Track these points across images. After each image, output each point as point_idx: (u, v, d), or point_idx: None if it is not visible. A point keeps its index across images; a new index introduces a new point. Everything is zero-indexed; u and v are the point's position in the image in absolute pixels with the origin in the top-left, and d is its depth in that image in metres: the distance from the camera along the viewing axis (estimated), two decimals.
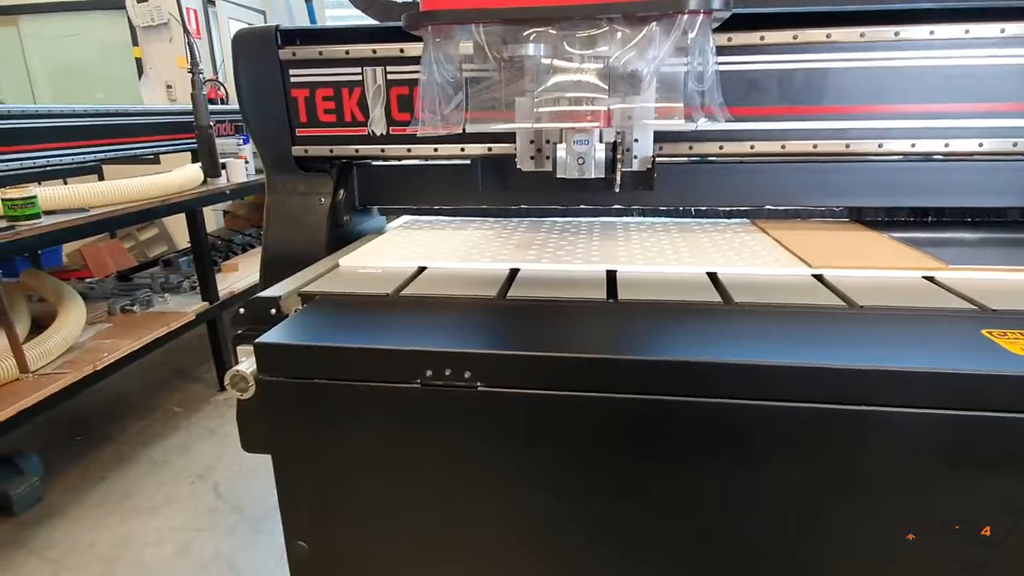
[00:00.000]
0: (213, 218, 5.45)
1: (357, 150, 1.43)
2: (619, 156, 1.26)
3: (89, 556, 2.40)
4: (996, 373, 0.74)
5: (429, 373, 0.84)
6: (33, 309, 2.96)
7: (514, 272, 1.19)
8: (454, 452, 0.89)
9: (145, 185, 2.99)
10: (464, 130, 1.17)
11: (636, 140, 1.29)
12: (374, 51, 1.35)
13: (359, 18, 1.63)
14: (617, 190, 1.28)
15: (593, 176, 1.24)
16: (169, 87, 5.86)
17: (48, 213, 2.55)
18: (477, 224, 1.61)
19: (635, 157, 1.30)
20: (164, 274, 3.85)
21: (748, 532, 0.85)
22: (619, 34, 1.03)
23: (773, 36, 1.23)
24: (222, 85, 5.19)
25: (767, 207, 1.51)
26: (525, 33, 1.05)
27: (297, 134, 1.44)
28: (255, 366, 0.90)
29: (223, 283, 3.70)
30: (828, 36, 1.22)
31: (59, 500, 2.73)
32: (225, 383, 0.92)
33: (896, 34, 1.20)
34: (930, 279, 1.09)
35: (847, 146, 1.29)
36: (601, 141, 1.23)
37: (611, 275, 1.16)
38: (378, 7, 1.54)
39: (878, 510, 0.81)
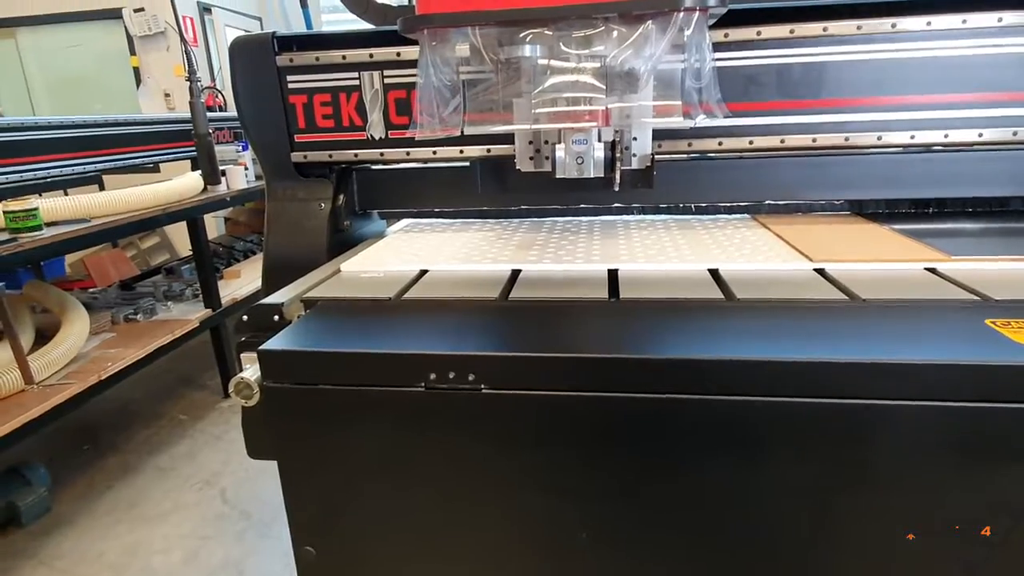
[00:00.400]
0: (214, 225, 5.46)
1: (356, 155, 1.43)
2: (618, 155, 1.26)
3: (98, 565, 2.40)
4: (1001, 363, 0.74)
5: (433, 376, 0.85)
6: (37, 320, 2.96)
7: (516, 273, 1.19)
8: (459, 455, 0.89)
9: (146, 194, 3.00)
10: (462, 132, 1.17)
11: (635, 138, 1.29)
12: (371, 55, 1.35)
13: (355, 23, 1.63)
14: (617, 189, 1.28)
15: (592, 175, 1.23)
16: (167, 95, 5.88)
17: (50, 224, 2.55)
18: (478, 226, 1.61)
19: (634, 155, 1.30)
20: (167, 282, 3.86)
21: (754, 531, 0.85)
22: (615, 33, 1.03)
23: (770, 31, 1.23)
24: (220, 92, 5.21)
25: (767, 202, 1.51)
26: (521, 35, 1.05)
27: (296, 140, 1.44)
28: (259, 373, 0.91)
29: (225, 290, 3.70)
30: (825, 29, 1.22)
31: (67, 510, 2.74)
32: (229, 390, 0.93)
33: (893, 26, 1.20)
34: (932, 271, 1.09)
35: (846, 139, 1.28)
36: (600, 140, 1.23)
37: (612, 274, 1.16)
38: (374, 11, 1.54)
39: (886, 506, 0.81)
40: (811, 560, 0.86)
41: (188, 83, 3.39)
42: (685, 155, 1.37)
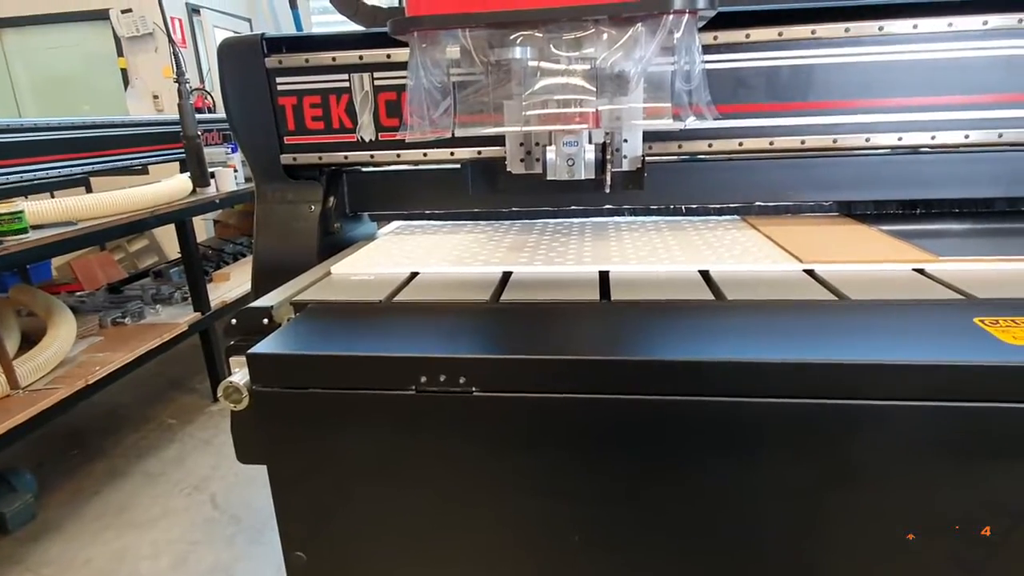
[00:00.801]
0: (203, 228, 5.42)
1: (346, 157, 1.42)
2: (608, 156, 1.27)
3: (86, 571, 2.37)
4: (990, 363, 0.75)
5: (424, 379, 0.84)
6: (23, 324, 2.93)
7: (507, 275, 1.19)
8: (451, 458, 0.88)
9: (133, 197, 2.97)
10: (453, 134, 1.17)
11: (625, 140, 1.29)
12: (361, 57, 1.34)
13: (345, 25, 1.62)
14: (607, 190, 1.29)
15: (583, 177, 1.24)
16: (156, 97, 5.84)
17: (36, 227, 2.53)
18: (469, 228, 1.61)
19: (625, 157, 1.30)
20: (155, 285, 3.82)
21: (745, 532, 0.85)
22: (605, 35, 1.03)
23: (759, 33, 1.24)
24: (209, 94, 5.18)
25: (757, 203, 1.52)
26: (511, 36, 1.05)
27: (285, 142, 1.43)
28: (248, 377, 0.90)
29: (215, 293, 3.68)
30: (813, 32, 1.22)
31: (54, 516, 2.70)
32: (218, 394, 0.92)
33: (880, 28, 1.21)
34: (920, 271, 1.10)
35: (834, 141, 1.29)
36: (590, 142, 1.23)
37: (604, 276, 1.16)
38: (363, 13, 1.54)
39: (877, 506, 0.81)
40: (802, 562, 0.86)
41: (176, 85, 3.37)
42: (675, 157, 1.38)
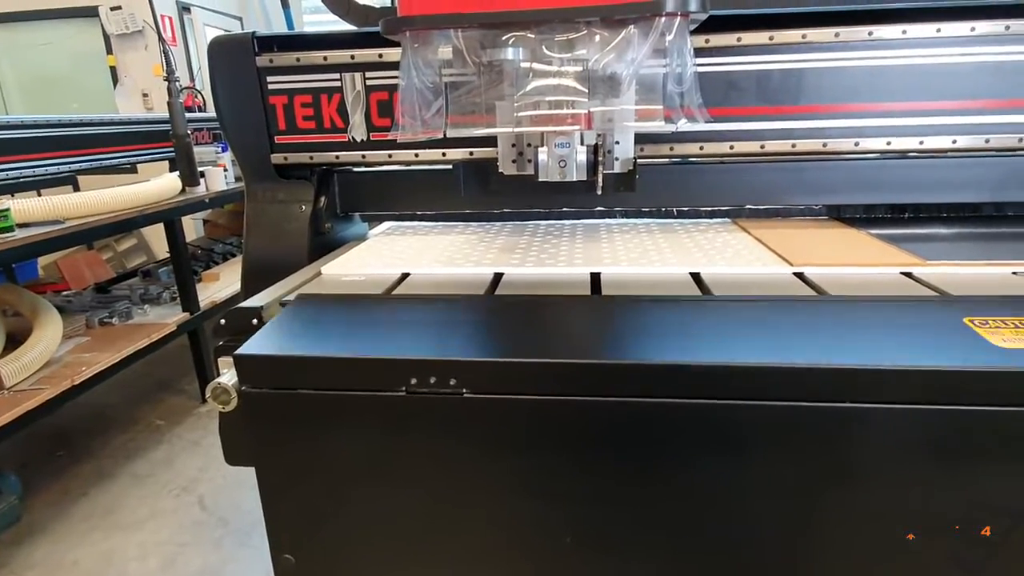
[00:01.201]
0: (193, 227, 5.38)
1: (337, 157, 1.42)
2: (600, 158, 1.27)
3: (73, 573, 2.35)
4: (977, 369, 0.75)
5: (414, 381, 0.84)
6: (8, 324, 2.89)
7: (498, 276, 1.19)
8: (441, 460, 0.88)
9: (121, 195, 2.94)
10: (445, 135, 1.16)
11: (617, 142, 1.29)
12: (352, 57, 1.34)
13: (337, 24, 1.62)
14: (599, 192, 1.29)
15: (575, 179, 1.24)
16: (145, 95, 5.79)
17: (22, 226, 2.50)
18: (460, 229, 1.61)
19: (616, 159, 1.30)
20: (143, 285, 3.79)
21: (735, 533, 0.86)
22: (597, 37, 1.03)
23: (750, 37, 1.24)
24: (199, 93, 5.14)
25: (748, 206, 1.53)
26: (504, 37, 1.05)
27: (276, 141, 1.42)
28: (236, 378, 0.89)
29: (204, 293, 3.65)
30: (804, 37, 1.23)
31: (40, 518, 2.67)
32: (207, 395, 0.91)
33: (870, 34, 1.22)
34: (908, 275, 1.11)
35: (824, 145, 1.30)
36: (582, 144, 1.24)
37: (595, 277, 1.16)
38: (355, 12, 1.53)
39: (870, 507, 0.82)
40: (795, 563, 0.86)
41: (166, 83, 3.34)
42: (667, 159, 1.38)
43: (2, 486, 2.64)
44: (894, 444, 0.79)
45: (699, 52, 1.23)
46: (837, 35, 1.23)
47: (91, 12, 5.62)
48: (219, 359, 1.00)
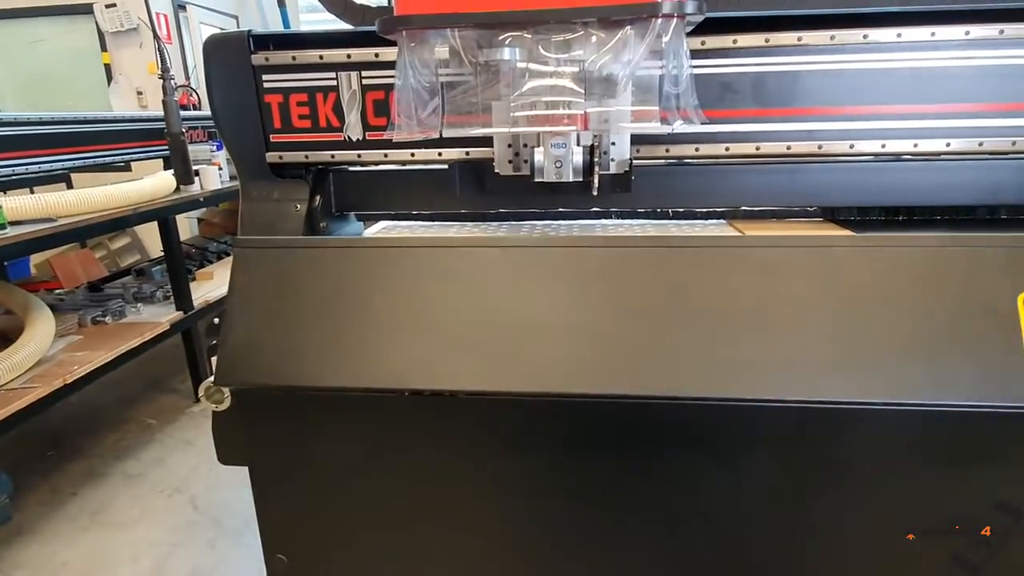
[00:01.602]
0: (187, 226, 5.35)
1: (333, 156, 1.41)
2: (596, 159, 1.27)
3: (63, 574, 2.33)
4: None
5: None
6: (0, 322, 2.87)
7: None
8: (435, 459, 0.88)
9: (115, 194, 2.92)
10: (441, 135, 1.16)
11: (613, 143, 1.29)
12: (349, 56, 1.33)
13: (334, 23, 1.61)
14: (595, 193, 1.29)
15: (571, 179, 1.24)
16: (140, 93, 5.76)
17: (14, 223, 2.48)
18: (456, 229, 1.61)
19: (612, 160, 1.30)
20: (136, 284, 3.77)
21: (728, 532, 0.86)
22: (594, 38, 1.04)
23: (746, 39, 1.24)
24: (194, 91, 5.12)
25: (743, 208, 1.53)
26: (500, 37, 1.05)
27: (271, 140, 1.42)
28: None
29: (198, 292, 3.63)
30: (799, 39, 1.24)
31: (30, 517, 2.65)
32: (200, 395, 0.91)
33: (865, 37, 1.22)
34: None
35: (819, 147, 1.31)
36: (578, 144, 1.24)
37: None
38: (352, 12, 1.53)
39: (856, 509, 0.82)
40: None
41: (161, 81, 3.32)
42: (663, 160, 1.38)
43: None
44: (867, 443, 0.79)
45: (695, 54, 1.23)
46: (832, 38, 1.23)
47: (86, 9, 5.58)
48: (212, 358, 0.99)
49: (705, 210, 1.57)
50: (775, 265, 0.99)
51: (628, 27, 1.02)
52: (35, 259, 4.35)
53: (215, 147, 4.00)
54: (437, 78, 1.14)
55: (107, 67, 5.80)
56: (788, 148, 1.31)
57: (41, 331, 2.71)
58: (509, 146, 1.29)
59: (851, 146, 1.30)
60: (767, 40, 1.24)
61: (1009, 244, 0.97)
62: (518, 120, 1.14)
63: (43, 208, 2.61)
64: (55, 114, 3.20)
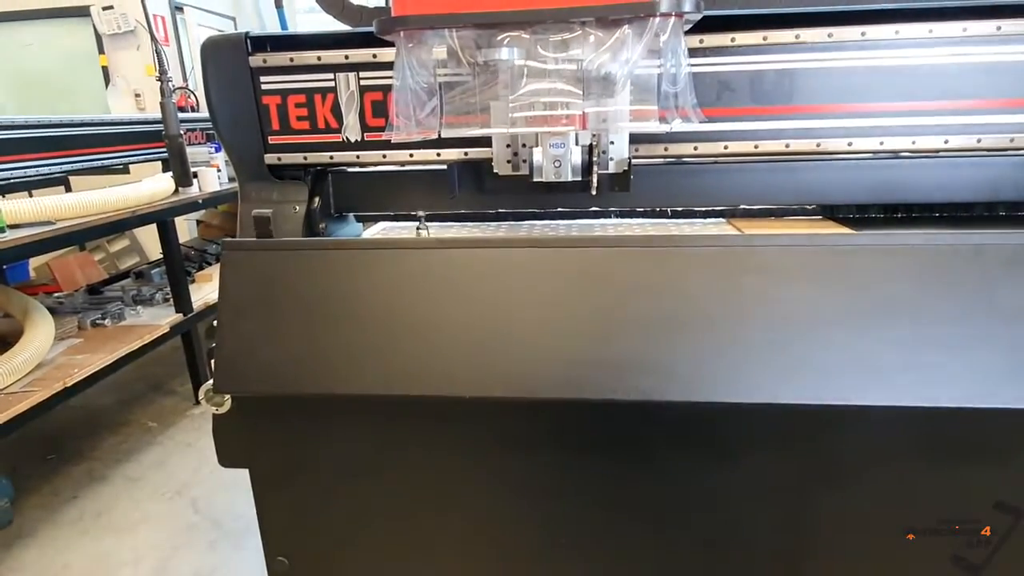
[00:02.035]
0: (186, 228, 5.35)
1: (332, 157, 1.41)
2: (595, 158, 1.27)
3: None
4: None
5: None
6: None
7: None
8: (436, 461, 0.88)
9: (114, 196, 2.92)
10: (439, 135, 1.16)
11: (612, 142, 1.29)
12: (346, 57, 1.33)
13: (331, 24, 1.61)
14: (594, 192, 1.29)
15: (569, 179, 1.24)
16: (138, 96, 5.75)
17: (13, 227, 2.48)
18: (455, 230, 1.61)
19: (611, 159, 1.30)
20: (136, 286, 3.76)
21: (725, 531, 0.86)
22: (592, 37, 1.03)
23: (744, 38, 1.24)
24: (192, 93, 5.11)
25: (742, 206, 1.53)
26: (498, 37, 1.05)
27: (269, 142, 1.42)
28: None
29: (197, 294, 3.62)
30: (797, 37, 1.24)
31: (30, 521, 2.65)
32: (200, 398, 0.90)
33: (863, 34, 1.22)
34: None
35: (818, 145, 1.30)
36: (577, 144, 1.23)
37: None
38: (349, 12, 1.53)
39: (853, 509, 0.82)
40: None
41: (159, 83, 3.32)
42: (661, 159, 1.38)
43: None
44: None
45: (693, 52, 1.23)
46: (830, 35, 1.23)
47: (83, 12, 5.58)
48: (212, 360, 0.99)
49: (704, 209, 1.57)
50: (775, 264, 0.99)
51: (626, 26, 1.02)
52: (34, 262, 4.35)
53: (213, 149, 4.00)
54: (435, 78, 1.14)
55: (105, 69, 5.80)
56: (787, 146, 1.31)
57: (40, 334, 2.71)
58: (508, 146, 1.29)
59: (849, 143, 1.30)
60: (765, 38, 1.24)
61: (1010, 241, 0.97)
62: (516, 120, 1.14)
63: (42, 211, 2.61)
64: (53, 117, 3.20)
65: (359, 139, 1.39)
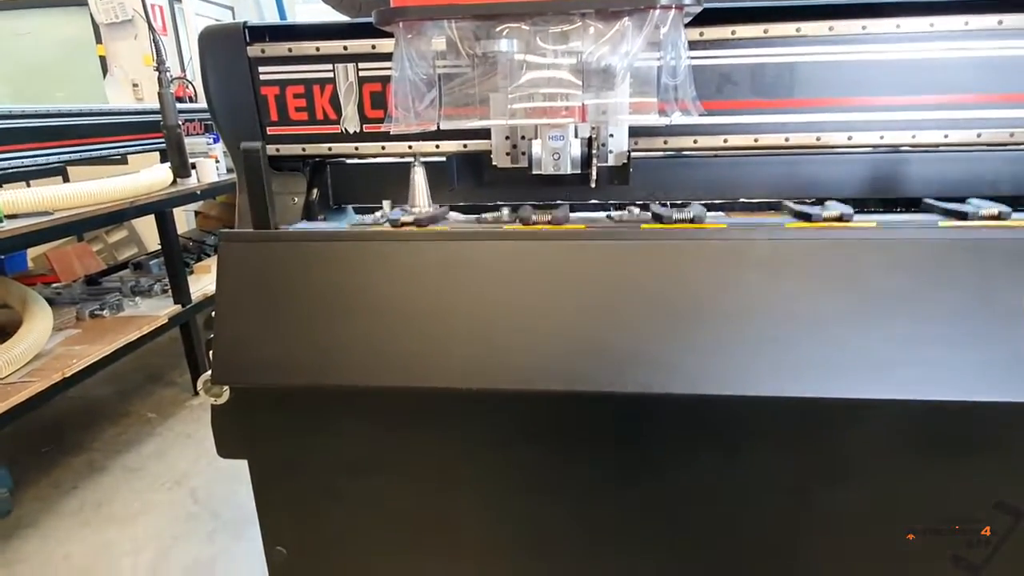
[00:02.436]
0: (184, 218, 5.33)
1: (330, 148, 1.41)
2: (594, 151, 1.26)
3: (64, 568, 2.34)
4: None
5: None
6: None
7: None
8: (438, 453, 0.88)
9: (112, 187, 2.91)
10: (438, 127, 1.16)
11: (611, 135, 1.29)
12: (345, 47, 1.33)
13: (330, 14, 1.60)
14: (593, 185, 1.29)
15: (569, 171, 1.24)
16: (135, 86, 5.72)
17: (10, 217, 2.47)
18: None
19: (610, 152, 1.30)
20: (134, 277, 3.76)
21: (724, 529, 0.86)
22: (592, 29, 1.03)
23: (744, 30, 1.24)
24: (190, 83, 5.08)
25: (742, 200, 1.53)
26: (498, 29, 1.04)
27: (268, 133, 1.41)
28: None
29: (196, 285, 3.62)
30: (798, 30, 1.23)
31: (30, 511, 2.66)
32: (199, 388, 0.91)
33: (864, 28, 1.22)
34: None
35: (818, 138, 1.30)
36: (576, 136, 1.23)
37: None
38: (348, 3, 1.52)
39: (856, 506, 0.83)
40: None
41: (157, 73, 3.31)
42: (661, 152, 1.38)
43: None
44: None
45: (693, 45, 1.23)
46: (831, 29, 1.22)
47: (80, 1, 5.54)
48: (211, 351, 0.99)
49: (704, 202, 1.57)
50: (773, 256, 0.99)
51: (626, 18, 1.02)
52: (32, 253, 4.34)
53: (212, 139, 3.99)
54: (434, 70, 1.14)
55: (102, 59, 5.76)
56: (787, 140, 1.31)
57: (39, 325, 2.71)
58: (507, 138, 1.29)
59: (849, 137, 1.30)
60: (765, 31, 1.24)
61: (1012, 236, 0.97)
62: (516, 112, 1.13)
63: (39, 202, 2.60)
64: (51, 107, 3.18)
65: (358, 130, 1.39)
